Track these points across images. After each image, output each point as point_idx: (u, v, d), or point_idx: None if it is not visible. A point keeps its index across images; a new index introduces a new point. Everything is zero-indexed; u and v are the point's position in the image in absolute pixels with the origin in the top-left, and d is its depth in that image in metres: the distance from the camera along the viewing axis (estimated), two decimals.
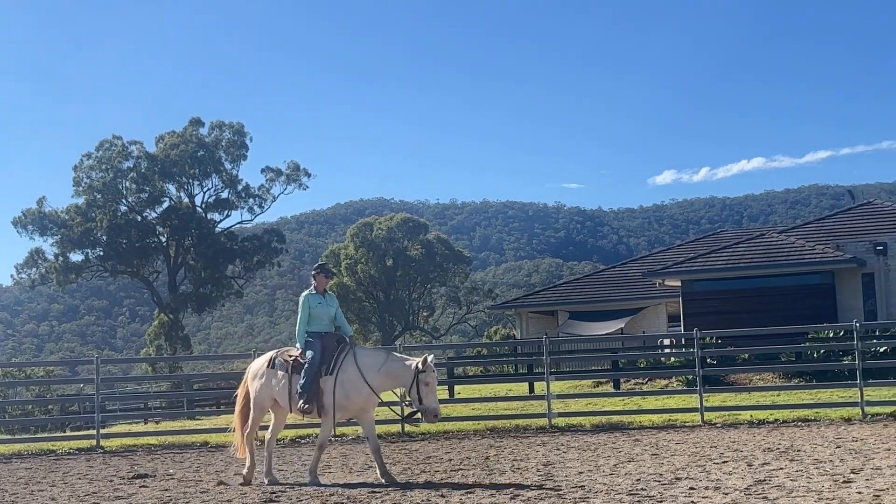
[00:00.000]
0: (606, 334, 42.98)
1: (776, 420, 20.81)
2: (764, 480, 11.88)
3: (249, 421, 14.11)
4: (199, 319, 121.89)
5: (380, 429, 21.84)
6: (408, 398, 13.54)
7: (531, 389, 28.99)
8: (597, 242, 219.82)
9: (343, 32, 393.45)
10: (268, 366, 13.95)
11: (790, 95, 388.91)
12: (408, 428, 21.63)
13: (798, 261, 38.24)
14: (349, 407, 13.62)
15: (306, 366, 13.51)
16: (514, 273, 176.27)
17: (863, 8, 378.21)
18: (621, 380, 29.32)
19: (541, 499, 11.32)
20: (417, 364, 13.26)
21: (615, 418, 22.07)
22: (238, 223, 79.61)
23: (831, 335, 28.85)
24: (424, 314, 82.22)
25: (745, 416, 21.41)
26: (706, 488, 11.45)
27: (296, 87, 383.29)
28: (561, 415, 22.70)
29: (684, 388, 26.07)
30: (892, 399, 21.99)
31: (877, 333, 29.31)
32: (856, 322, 22.20)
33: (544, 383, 22.69)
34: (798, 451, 15.18)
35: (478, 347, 53.75)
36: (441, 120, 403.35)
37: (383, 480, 13.24)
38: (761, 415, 21.29)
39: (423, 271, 76.22)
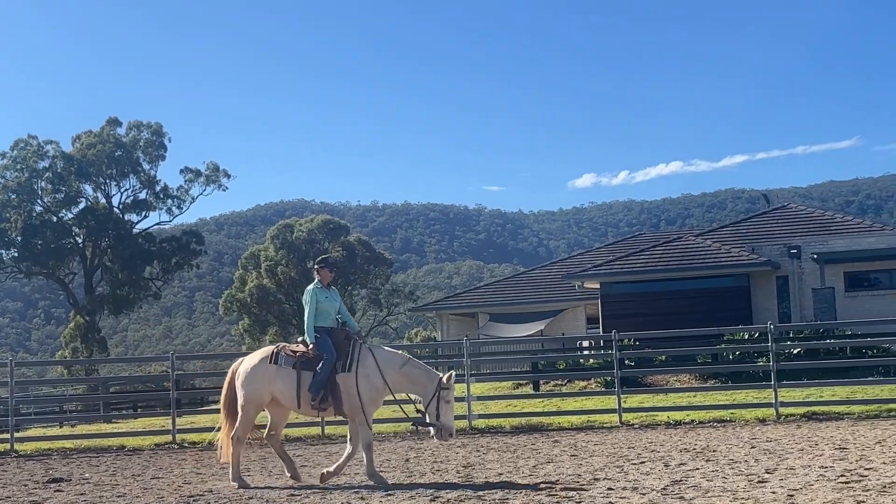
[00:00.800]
0: (526, 336, 43.23)
1: (693, 421, 21.10)
2: (680, 480, 12.03)
3: (239, 421, 13.47)
4: (116, 321, 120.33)
5: (299, 430, 21.81)
6: (422, 408, 13.27)
7: None
8: (517, 245, 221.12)
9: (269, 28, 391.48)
10: (270, 362, 13.42)
11: (708, 99, 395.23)
12: (328, 430, 21.56)
13: (714, 264, 38.83)
14: (378, 401, 13.43)
15: (322, 362, 13.14)
16: (435, 275, 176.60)
17: (775, 11, 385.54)
18: (541, 381, 29.52)
19: (460, 500, 11.34)
20: (442, 378, 13.11)
21: (535, 420, 22.19)
22: (156, 224, 78.54)
23: (746, 337, 29.33)
24: None
25: (663, 417, 21.68)
26: (624, 489, 11.56)
27: (214, 84, 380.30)
28: (481, 416, 22.77)
29: (603, 389, 26.31)
30: (804, 400, 22.40)
31: (790, 335, 29.90)
32: (770, 324, 22.57)
33: (464, 385, 22.76)
34: (714, 451, 15.41)
35: (399, 349, 53.68)
36: (361, 122, 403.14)
37: (371, 481, 12.98)
38: (678, 416, 21.57)
39: (343, 273, 75.87)
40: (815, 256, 37.36)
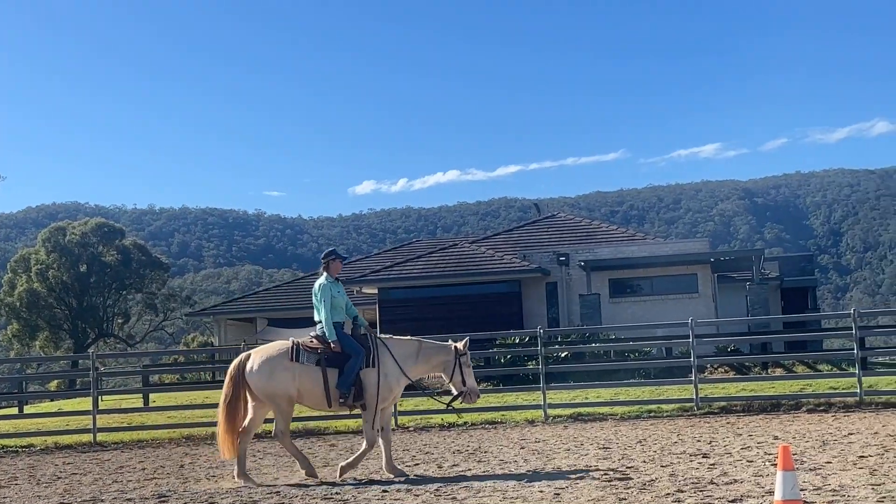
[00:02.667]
0: None
1: (465, 423, 21.54)
2: (454, 481, 12.36)
3: (280, 416, 13.20)
4: None
5: (69, 438, 21.19)
6: (447, 383, 13.61)
7: None
8: (297, 250, 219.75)
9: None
10: (291, 359, 13.08)
11: (485, 110, 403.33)
12: (100, 437, 21.07)
13: (488, 270, 39.73)
14: (389, 398, 13.39)
15: (351, 359, 13.00)
16: (213, 280, 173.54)
17: (549, 24, 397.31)
18: None
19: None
20: (457, 347, 13.42)
21: (312, 424, 22.24)
22: None
23: (517, 341, 30.13)
24: (119, 321, 79.57)
25: (437, 419, 22.06)
26: (398, 490, 11.78)
27: None
28: None
29: None
30: (571, 402, 23.18)
31: (559, 339, 30.94)
32: (540, 328, 23.23)
33: None
34: (485, 452, 15.85)
35: (175, 355, 52.69)
36: (140, 125, 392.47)
37: (391, 476, 13.03)
38: (451, 418, 22.00)
39: (118, 277, 73.78)
40: (583, 264, 38.75)
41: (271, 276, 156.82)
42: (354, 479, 13.08)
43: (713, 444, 15.25)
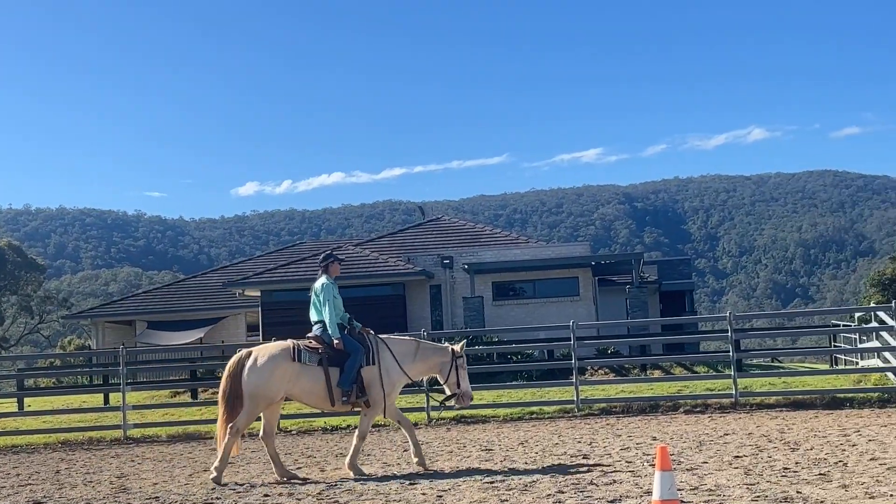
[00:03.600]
0: (185, 344, 42.57)
1: (349, 426, 21.49)
2: (335, 485, 12.31)
3: (244, 413, 13.00)
4: None
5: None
6: (442, 384, 13.81)
7: (106, 401, 28.26)
8: (178, 252, 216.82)
9: None
10: (293, 359, 13.02)
11: (368, 111, 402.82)
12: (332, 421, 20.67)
13: (372, 273, 39.71)
14: (393, 395, 13.56)
15: (351, 357, 13.10)
16: (91, 282, 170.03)
17: (446, 22, 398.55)
18: (199, 389, 29.19)
19: None
20: (454, 348, 13.63)
21: (192, 428, 21.97)
22: None
23: None
24: None
25: (320, 422, 21.98)
26: (280, 494, 11.70)
27: None
28: (137, 426, 22.34)
29: None
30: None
31: (443, 342, 30.99)
32: (424, 331, 23.35)
33: (120, 394, 22.20)
34: (368, 455, 15.82)
35: (51, 358, 51.42)
36: (14, 122, 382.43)
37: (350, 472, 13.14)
38: (335, 421, 21.96)
39: None
40: (466, 267, 38.99)
41: (151, 279, 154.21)
42: (235, 483, 12.95)
43: (593, 445, 15.46)
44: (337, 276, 13.99)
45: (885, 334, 22.64)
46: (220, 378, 28.31)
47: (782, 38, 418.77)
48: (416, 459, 13.44)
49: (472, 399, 13.99)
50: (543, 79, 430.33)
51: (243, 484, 12.89)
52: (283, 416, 22.08)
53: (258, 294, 41.01)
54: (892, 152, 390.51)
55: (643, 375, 27.35)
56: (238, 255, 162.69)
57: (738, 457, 12.88)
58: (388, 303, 39.49)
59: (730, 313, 22.36)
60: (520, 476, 12.13)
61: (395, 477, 12.75)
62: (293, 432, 21.29)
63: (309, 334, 13.49)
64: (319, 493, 11.58)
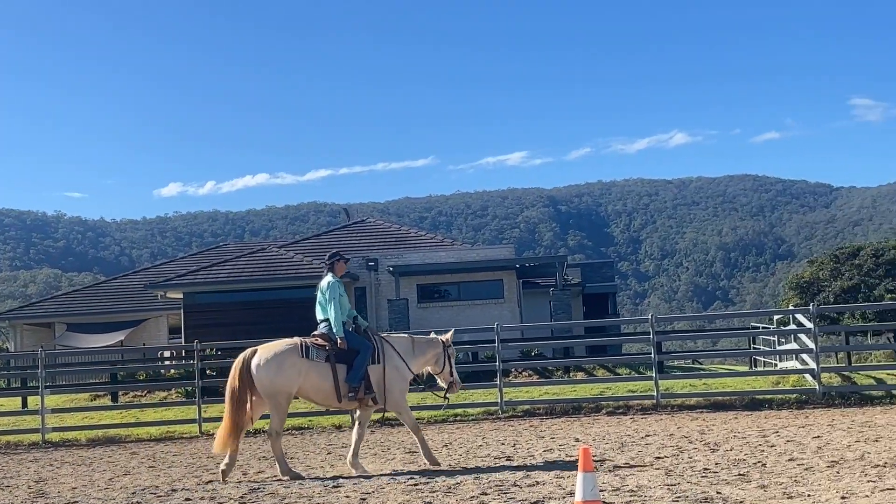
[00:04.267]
0: (106, 346, 42.00)
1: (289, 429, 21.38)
2: (259, 488, 12.21)
3: (275, 414, 13.17)
4: None
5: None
6: (438, 375, 14.11)
7: (24, 404, 27.74)
8: (98, 253, 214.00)
9: None
10: (301, 355, 13.12)
11: (294, 112, 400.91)
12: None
13: (296, 274, 39.51)
14: (407, 388, 13.82)
15: (359, 354, 13.25)
16: (8, 284, 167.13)
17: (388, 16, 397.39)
18: (120, 393, 28.80)
19: None
20: (443, 339, 13.96)
21: (112, 431, 21.71)
22: None
23: None
24: None
25: (260, 424, 21.81)
26: (201, 498, 11.59)
27: None
28: (55, 429, 21.99)
29: (184, 399, 26.10)
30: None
31: None
32: None
33: (38, 398, 21.83)
34: (291, 458, 15.71)
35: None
36: None
37: (353, 471, 13.27)
38: (258, 424, 21.76)
39: None
40: (392, 269, 38.96)
41: (71, 280, 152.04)
42: (155, 486, 12.80)
43: (517, 446, 15.54)
44: (342, 274, 14.23)
45: (802, 336, 23.05)
46: (140, 381, 27.98)
47: (704, 42, 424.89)
48: (424, 459, 13.56)
49: (461, 386, 14.39)
50: (469, 81, 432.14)
51: (163, 489, 12.75)
52: (206, 420, 21.88)
53: (180, 296, 40.56)
54: (810, 157, 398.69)
55: (566, 377, 27.50)
56: (160, 257, 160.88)
57: (659, 457, 13.03)
58: (313, 305, 39.21)
59: (651, 316, 22.60)
60: (443, 478, 12.14)
61: (318, 480, 12.69)
62: (215, 436, 21.04)
63: (315, 332, 13.67)
64: (242, 497, 11.49)
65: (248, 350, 13.49)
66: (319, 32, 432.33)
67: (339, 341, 13.28)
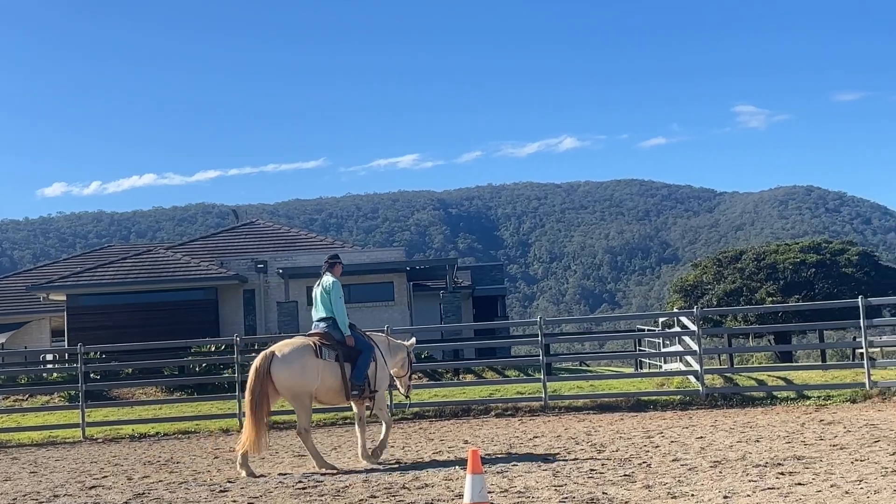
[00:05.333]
0: None
1: (158, 433, 21.12)
2: (143, 493, 12.05)
3: (303, 413, 13.43)
4: None
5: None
6: (404, 377, 14.88)
7: None
8: None
9: None
10: (316, 356, 13.37)
11: (183, 109, 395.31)
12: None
13: (184, 277, 39.06)
14: (387, 385, 14.58)
15: (363, 353, 13.71)
16: None
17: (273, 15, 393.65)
18: (0, 397, 28.12)
19: None
20: (407, 344, 14.88)
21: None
22: None
23: (213, 349, 29.78)
24: None
25: (128, 430, 21.51)
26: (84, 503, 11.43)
27: None
28: None
29: (67, 403, 25.59)
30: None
31: (255, 347, 30.70)
32: (236, 336, 23.08)
33: None
34: (177, 463, 15.56)
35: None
36: None
37: (366, 462, 13.77)
38: (143, 428, 21.51)
39: None
40: (281, 271, 38.73)
41: None
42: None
43: (406, 449, 15.57)
44: (338, 277, 14.40)
45: (687, 338, 23.51)
46: (21, 384, 27.36)
47: (594, 46, 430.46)
48: (369, 454, 13.96)
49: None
50: (361, 80, 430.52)
51: (45, 494, 12.48)
52: (89, 424, 21.49)
53: (64, 298, 39.75)
54: (695, 163, 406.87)
55: (456, 380, 27.66)
56: (43, 258, 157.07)
57: (546, 459, 13.18)
58: (201, 307, 38.89)
59: (540, 318, 22.83)
60: (332, 481, 12.11)
61: (205, 485, 12.56)
62: (99, 440, 20.69)
63: (314, 331, 13.95)
64: (126, 503, 11.31)
65: (267, 351, 13.58)
66: (209, 27, 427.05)
67: (346, 340, 13.70)
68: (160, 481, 13.19)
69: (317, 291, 14.11)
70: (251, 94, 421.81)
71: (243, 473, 13.12)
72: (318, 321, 13.96)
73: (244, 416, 13.92)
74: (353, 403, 14.02)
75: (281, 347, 13.53)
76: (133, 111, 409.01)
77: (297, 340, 13.75)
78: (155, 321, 36.97)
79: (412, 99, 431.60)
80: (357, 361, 13.66)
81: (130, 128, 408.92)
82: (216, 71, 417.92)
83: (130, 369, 27.98)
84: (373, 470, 13.05)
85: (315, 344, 13.52)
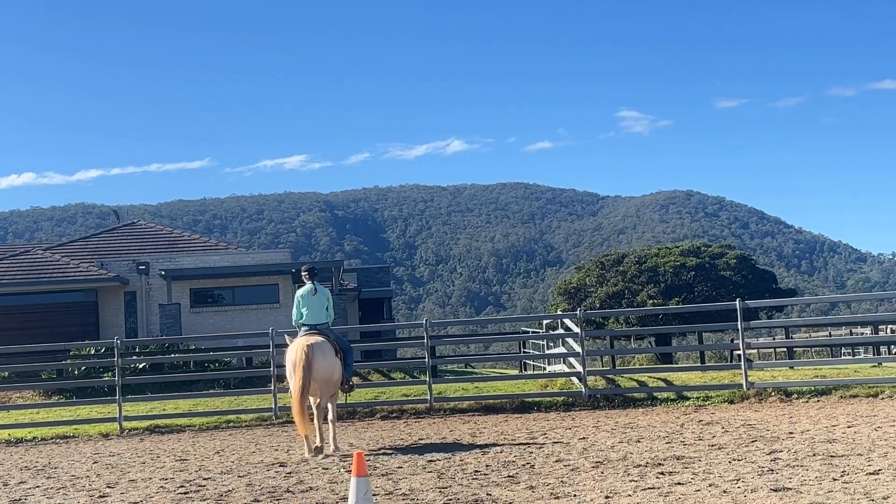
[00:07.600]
0: None
1: (35, 438, 20.67)
2: (20, 500, 11.78)
3: (330, 398, 15.16)
4: None
5: None
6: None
7: None
8: None
9: None
10: (335, 352, 15.02)
11: (64, 107, 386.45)
12: None
13: (63, 278, 38.27)
14: None
15: (350, 351, 15.64)
16: None
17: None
18: None
19: None
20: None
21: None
22: None
23: (93, 352, 29.23)
24: None
25: (4, 434, 21.03)
26: None
27: None
28: None
29: None
30: (148, 414, 22.72)
31: (137, 350, 30.25)
32: (117, 339, 22.68)
33: None
34: (56, 468, 15.22)
35: None
36: None
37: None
38: (20, 433, 21.01)
39: None
40: (163, 273, 38.17)
41: None
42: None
43: (290, 452, 15.48)
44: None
45: (570, 340, 23.83)
46: None
47: (486, 47, 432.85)
48: (337, 445, 15.20)
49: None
50: (248, 79, 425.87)
51: None
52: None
53: None
54: (579, 167, 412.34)
55: None
56: None
57: (431, 461, 13.22)
58: (80, 309, 38.11)
59: (426, 321, 22.91)
60: (215, 485, 11.98)
61: (83, 490, 12.31)
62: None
63: (311, 331, 15.23)
64: None
65: (303, 345, 14.69)
66: (86, 13, 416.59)
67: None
68: (37, 487, 12.90)
69: (312, 298, 15.44)
70: (133, 86, 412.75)
71: (313, 456, 14.44)
72: (315, 325, 15.29)
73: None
74: (328, 399, 15.16)
75: (314, 345, 14.77)
76: (10, 106, 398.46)
77: (312, 338, 14.96)
78: (33, 324, 36.15)
79: (298, 100, 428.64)
80: (346, 360, 15.34)
81: (7, 126, 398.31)
82: (96, 60, 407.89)
83: (7, 373, 27.28)
84: (256, 473, 12.94)
85: (326, 341, 14.98)
